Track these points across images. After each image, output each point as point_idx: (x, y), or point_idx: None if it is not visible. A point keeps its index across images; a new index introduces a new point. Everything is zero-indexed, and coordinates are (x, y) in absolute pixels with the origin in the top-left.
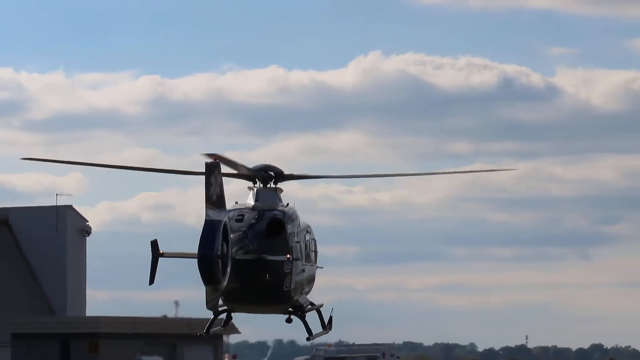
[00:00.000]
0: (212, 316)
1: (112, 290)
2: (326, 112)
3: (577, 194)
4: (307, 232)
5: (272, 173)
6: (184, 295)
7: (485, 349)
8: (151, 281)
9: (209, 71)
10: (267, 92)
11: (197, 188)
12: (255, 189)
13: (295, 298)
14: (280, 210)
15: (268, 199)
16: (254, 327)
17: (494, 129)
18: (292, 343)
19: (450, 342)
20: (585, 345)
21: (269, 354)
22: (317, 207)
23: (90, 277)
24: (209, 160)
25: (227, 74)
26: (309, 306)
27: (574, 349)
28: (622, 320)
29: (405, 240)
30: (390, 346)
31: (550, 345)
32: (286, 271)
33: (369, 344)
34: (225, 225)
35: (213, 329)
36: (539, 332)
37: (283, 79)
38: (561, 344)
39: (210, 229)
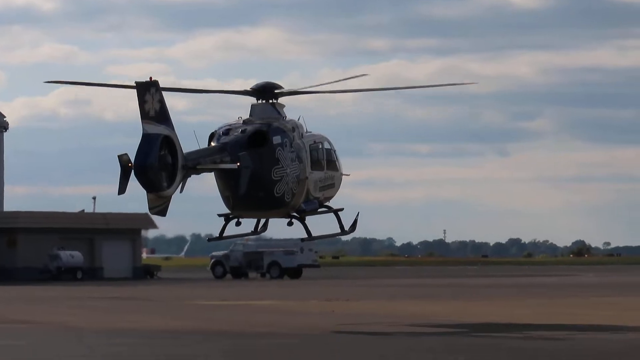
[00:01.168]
0: (223, 222)
1: (29, 186)
2: (243, 8)
3: (494, 90)
4: (315, 142)
5: (272, 89)
6: (101, 191)
7: (403, 244)
8: (121, 191)
9: None
10: None
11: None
12: (251, 105)
13: (292, 203)
14: (266, 123)
15: (263, 113)
16: (173, 221)
17: (411, 25)
18: (209, 237)
19: (368, 237)
20: (503, 240)
21: (186, 248)
22: None
23: (8, 172)
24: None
25: None
26: (323, 209)
27: (491, 244)
28: (540, 215)
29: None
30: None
31: (468, 240)
32: (274, 178)
33: (287, 239)
34: (168, 138)
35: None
36: (457, 227)
37: None
38: (479, 238)
39: (146, 142)
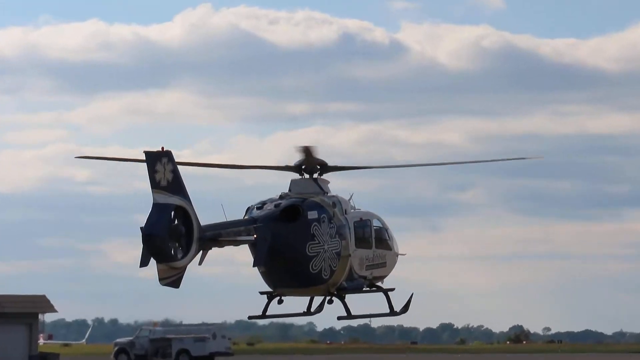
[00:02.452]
0: (267, 300)
1: None
2: (150, 70)
3: (422, 159)
4: (362, 219)
5: (317, 165)
6: None
7: (325, 328)
8: (143, 264)
9: (24, 24)
10: (86, 47)
11: None
12: (290, 180)
13: (331, 280)
14: (302, 198)
15: (302, 188)
16: (73, 304)
17: (333, 88)
18: (113, 322)
19: (286, 322)
20: (434, 325)
21: (87, 333)
22: None
23: None
24: (151, 150)
25: (43, 27)
26: (371, 288)
27: (421, 329)
28: (474, 297)
29: None
30: (221, 326)
31: (395, 325)
32: (309, 254)
33: (198, 324)
34: (181, 209)
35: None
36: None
37: (104, 34)
38: (407, 323)
39: (156, 211)
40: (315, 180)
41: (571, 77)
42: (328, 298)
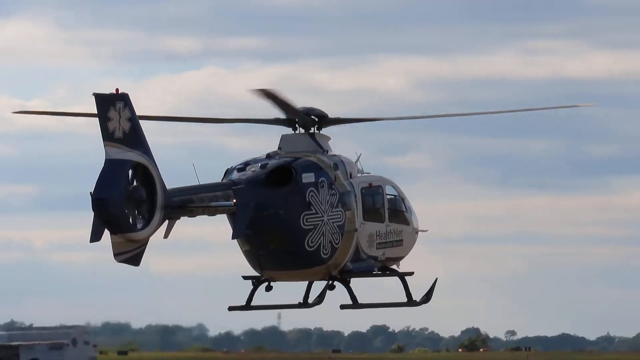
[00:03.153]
0: (251, 287)
1: None
2: None
3: (349, 111)
4: (372, 185)
5: (314, 117)
6: None
7: (219, 333)
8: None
9: None
10: None
11: None
12: (281, 136)
13: (333, 260)
14: (295, 157)
15: (295, 145)
16: None
17: (230, 18)
18: None
19: (170, 324)
20: (363, 328)
21: None
22: None
23: None
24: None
25: None
26: (383, 272)
27: (346, 333)
28: (416, 291)
29: None
30: (84, 329)
31: (313, 328)
32: (305, 227)
33: (54, 327)
34: (141, 167)
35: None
36: (298, 310)
37: None
38: (328, 325)
39: (109, 170)
40: (312, 135)
41: (544, 3)
42: (329, 283)
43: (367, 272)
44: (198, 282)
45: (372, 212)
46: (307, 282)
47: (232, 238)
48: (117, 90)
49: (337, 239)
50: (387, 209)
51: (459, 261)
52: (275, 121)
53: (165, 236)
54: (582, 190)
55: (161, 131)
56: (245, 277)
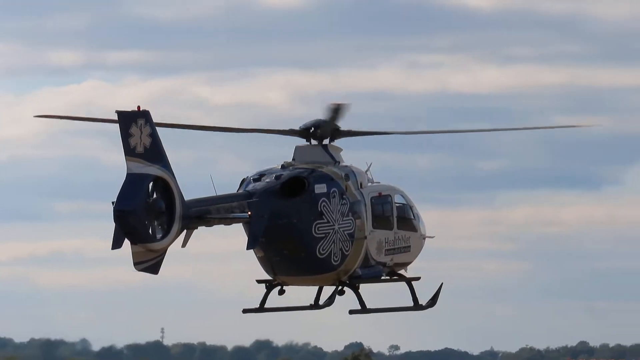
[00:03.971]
0: (265, 290)
1: None
2: None
3: (230, 123)
4: (382, 194)
5: (328, 129)
6: None
7: (103, 347)
8: (116, 245)
9: None
10: None
11: None
12: (295, 147)
13: (343, 266)
14: (309, 169)
15: (309, 156)
16: None
17: (113, 31)
18: None
19: (52, 338)
20: (247, 342)
21: None
22: None
23: None
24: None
25: None
26: (391, 277)
27: (229, 347)
28: None
29: None
30: None
31: (196, 342)
32: (316, 235)
33: None
34: (161, 181)
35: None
36: (180, 324)
37: None
38: (212, 339)
39: (130, 183)
40: (325, 147)
41: (429, 17)
42: (339, 288)
43: (375, 278)
44: (81, 296)
45: (381, 220)
46: (317, 287)
47: (247, 249)
48: (138, 107)
49: (347, 247)
50: (396, 216)
51: None
52: (290, 132)
53: (183, 245)
54: (467, 203)
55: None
56: (259, 281)
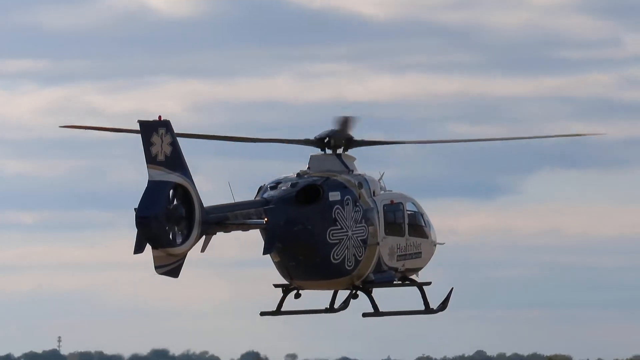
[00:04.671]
0: (282, 294)
1: None
2: None
3: (124, 135)
4: (394, 201)
5: (340, 138)
6: None
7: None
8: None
9: None
10: None
11: None
12: (310, 157)
13: (356, 271)
14: (323, 177)
15: (323, 165)
16: None
17: (5, 40)
18: None
19: None
20: (144, 350)
21: None
22: None
23: None
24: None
25: None
26: (403, 282)
27: (126, 356)
28: (198, 314)
29: None
30: None
31: (93, 351)
32: (330, 241)
33: None
34: (181, 187)
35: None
36: (78, 332)
37: None
38: (111, 349)
39: (151, 190)
40: (339, 156)
41: (323, 26)
42: (353, 292)
43: (388, 283)
44: None
45: (393, 227)
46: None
47: (263, 254)
48: (159, 117)
49: (360, 252)
50: (407, 223)
51: (241, 284)
52: (306, 142)
53: (202, 250)
54: None
55: None
56: (276, 285)
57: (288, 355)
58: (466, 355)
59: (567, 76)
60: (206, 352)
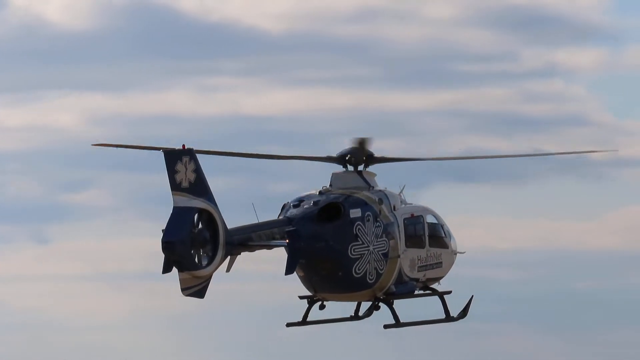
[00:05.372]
0: (307, 305)
1: None
2: None
3: (23, 147)
4: (414, 215)
5: (361, 155)
6: None
7: None
8: (166, 270)
9: None
10: None
11: None
12: (332, 174)
13: (378, 284)
14: (344, 194)
15: (345, 182)
16: None
17: None
18: None
19: None
20: None
21: None
22: None
23: None
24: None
25: None
26: (425, 291)
27: None
28: (99, 328)
29: None
30: None
31: None
32: (352, 256)
33: None
34: (205, 212)
35: None
36: None
37: None
38: None
39: (176, 216)
40: (360, 173)
41: (219, 40)
42: (375, 303)
43: (409, 294)
44: None
45: (413, 239)
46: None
47: (285, 274)
48: (183, 146)
49: (381, 266)
50: (427, 235)
51: (134, 296)
52: (327, 159)
53: (227, 270)
54: None
55: None
56: (301, 297)
57: None
58: None
59: (464, 90)
60: None
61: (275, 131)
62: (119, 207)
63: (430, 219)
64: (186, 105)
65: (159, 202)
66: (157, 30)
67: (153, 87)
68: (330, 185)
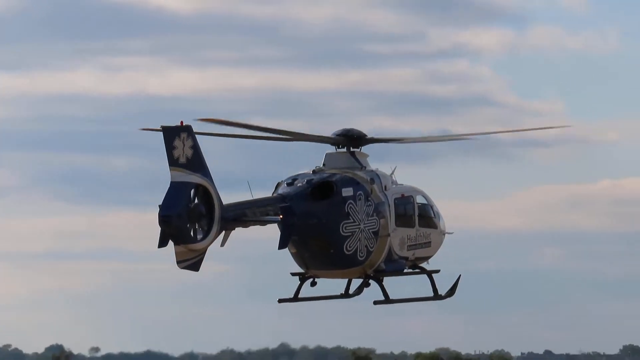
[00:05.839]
0: (299, 282)
1: None
2: None
3: None
4: (404, 195)
5: (353, 137)
6: None
7: None
8: (161, 244)
9: None
10: None
11: None
12: (325, 154)
13: (368, 261)
14: (336, 174)
15: (338, 162)
16: None
17: None
18: None
19: None
20: None
21: None
22: None
23: None
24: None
25: None
26: (413, 270)
27: None
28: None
29: None
30: None
31: None
32: (344, 234)
33: None
34: (202, 187)
35: None
36: None
37: None
38: None
39: (172, 191)
40: (353, 153)
41: (126, 20)
42: (365, 280)
43: (398, 271)
44: None
45: (403, 219)
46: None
47: (278, 249)
48: (181, 122)
49: (372, 244)
50: (417, 215)
51: (44, 277)
52: (322, 139)
53: (222, 245)
54: None
55: None
56: (293, 274)
57: (92, 348)
58: (270, 348)
59: (372, 70)
60: (9, 345)
61: (181, 110)
62: (24, 186)
63: (420, 199)
64: (92, 86)
65: (66, 180)
66: (63, 10)
67: (59, 67)
68: (324, 164)
